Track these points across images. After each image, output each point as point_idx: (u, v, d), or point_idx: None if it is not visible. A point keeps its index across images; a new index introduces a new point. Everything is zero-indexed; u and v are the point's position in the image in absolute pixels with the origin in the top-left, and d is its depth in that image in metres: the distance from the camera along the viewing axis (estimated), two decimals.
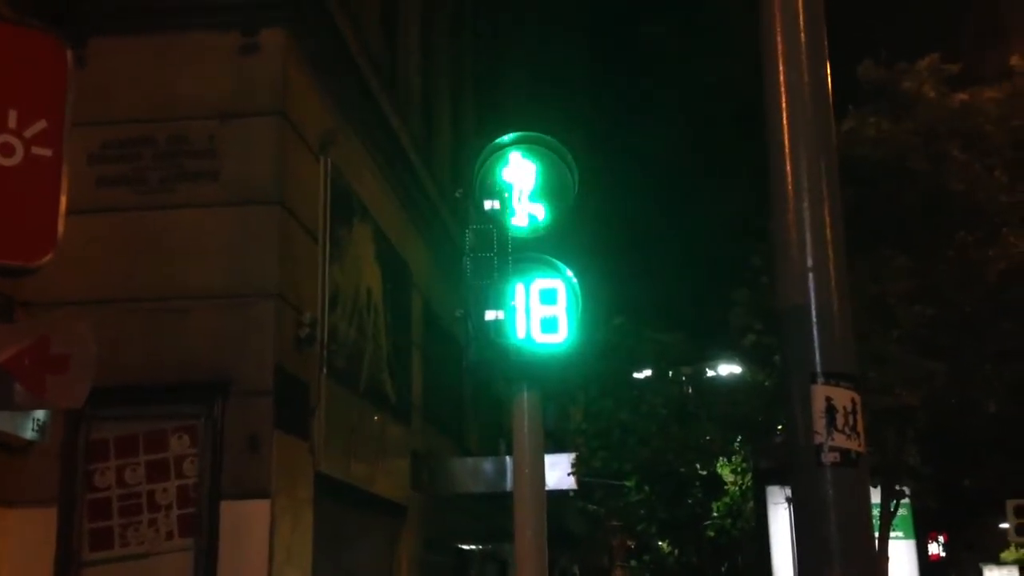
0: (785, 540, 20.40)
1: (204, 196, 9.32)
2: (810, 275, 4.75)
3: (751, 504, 22.91)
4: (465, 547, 19.25)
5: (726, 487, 23.35)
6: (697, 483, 22.71)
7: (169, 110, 9.50)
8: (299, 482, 9.52)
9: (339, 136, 10.90)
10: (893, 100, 14.98)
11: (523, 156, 6.76)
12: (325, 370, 10.22)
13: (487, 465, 16.43)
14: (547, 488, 7.04)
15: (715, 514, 23.59)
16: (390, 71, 13.92)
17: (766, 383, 15.76)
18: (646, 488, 21.87)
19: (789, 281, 4.83)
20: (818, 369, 4.66)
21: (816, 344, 4.69)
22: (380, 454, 12.32)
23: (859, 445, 4.62)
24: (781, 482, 19.67)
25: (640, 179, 24.14)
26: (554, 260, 6.61)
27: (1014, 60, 15.13)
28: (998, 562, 41.05)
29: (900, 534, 19.74)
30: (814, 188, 4.84)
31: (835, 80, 5.14)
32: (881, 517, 14.92)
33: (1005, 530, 23.77)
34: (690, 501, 23.04)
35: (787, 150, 4.91)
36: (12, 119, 5.75)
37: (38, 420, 6.97)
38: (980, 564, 42.52)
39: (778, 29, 5.04)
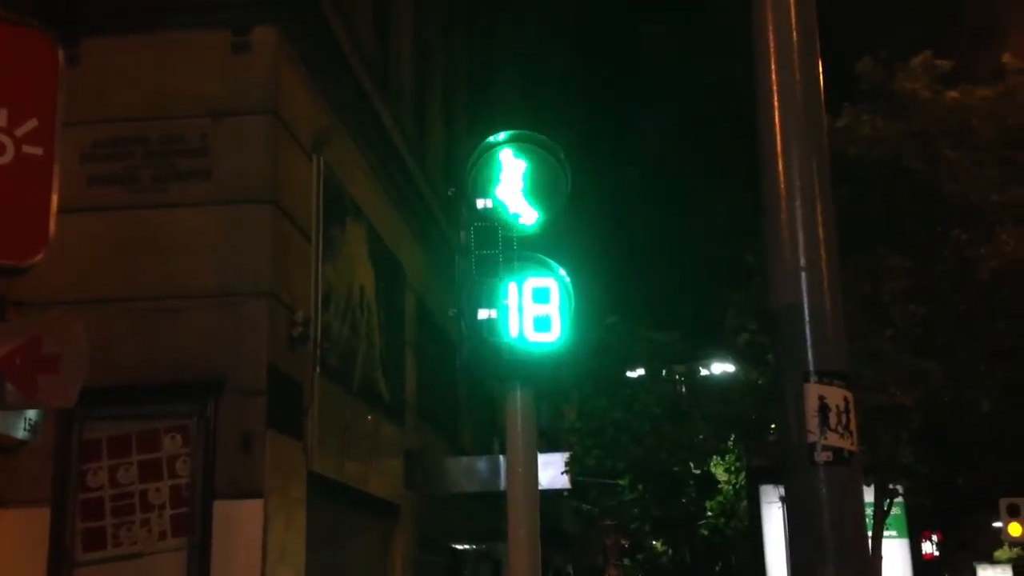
0: (778, 539, 20.41)
1: (196, 195, 9.30)
2: (803, 274, 4.75)
3: (744, 503, 22.93)
4: (459, 546, 19.24)
5: (719, 486, 23.38)
6: (691, 482, 22.73)
7: (161, 109, 9.48)
8: (292, 481, 9.51)
9: (332, 135, 10.88)
10: (889, 99, 14.99)
11: (515, 155, 6.77)
12: (318, 369, 10.21)
13: (481, 464, 16.43)
14: (540, 487, 7.05)
15: (709, 513, 23.62)
16: (383, 70, 13.91)
17: (759, 382, 15.78)
18: (640, 487, 21.87)
19: (782, 280, 4.83)
20: (811, 368, 4.66)
21: (809, 343, 4.70)
22: (373, 453, 12.31)
23: (852, 444, 4.62)
24: (774, 481, 19.68)
25: (634, 178, 24.16)
26: (547, 259, 6.61)
27: (1006, 58, 15.14)
28: (992, 561, 41.17)
29: (894, 533, 19.76)
30: (806, 187, 4.84)
31: (831, 78, 5.14)
32: (875, 516, 14.93)
33: (999, 529, 23.82)
34: (684, 500, 23.05)
35: (779, 149, 4.91)
36: (3, 118, 5.74)
37: (30, 420, 6.95)
38: (974, 563, 42.60)
39: (770, 28, 5.05)
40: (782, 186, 4.86)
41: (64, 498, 8.72)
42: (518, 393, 6.68)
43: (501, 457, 15.04)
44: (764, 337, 14.30)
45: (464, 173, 6.65)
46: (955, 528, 42.62)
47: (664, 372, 21.82)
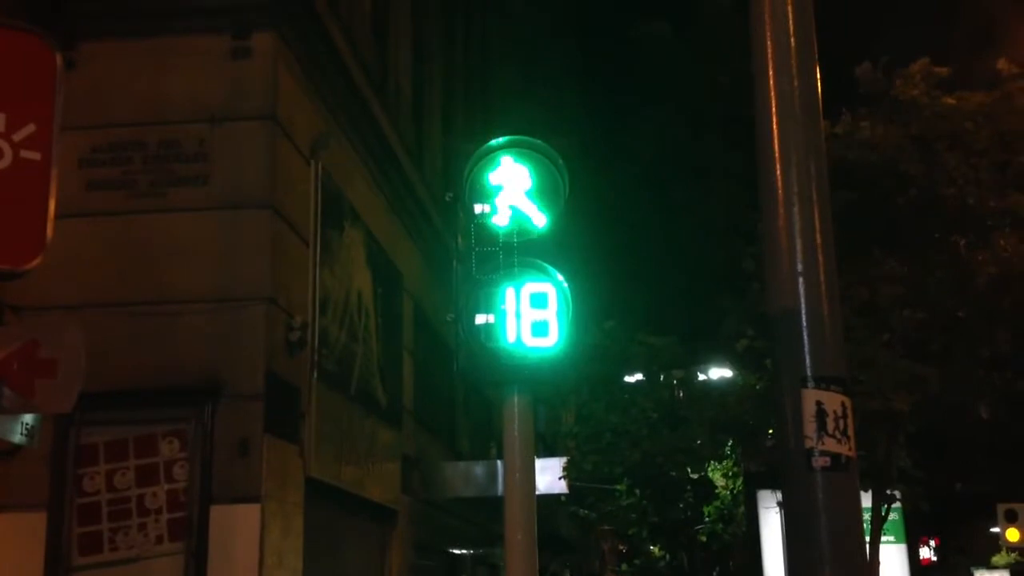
0: (776, 544, 20.41)
1: (194, 200, 9.30)
2: (800, 279, 4.77)
3: (742, 508, 22.92)
4: (456, 551, 19.22)
5: (717, 491, 23.34)
6: (688, 487, 22.71)
7: (159, 114, 9.49)
8: (289, 486, 9.50)
9: (330, 140, 10.89)
10: (887, 104, 15.00)
11: (514, 160, 6.75)
12: (316, 374, 10.21)
13: (478, 469, 16.43)
14: (538, 492, 7.04)
15: (706, 518, 23.59)
16: (381, 75, 13.92)
17: (757, 387, 15.76)
18: (637, 492, 21.86)
19: (779, 285, 4.84)
20: (808, 373, 4.67)
21: (806, 348, 4.70)
22: (371, 458, 12.31)
23: (849, 449, 4.62)
24: (772, 486, 19.67)
25: (633, 182, 24.14)
26: (544, 264, 6.60)
27: (1001, 64, 15.16)
28: (989, 566, 41.18)
29: (891, 538, 19.75)
30: (804, 193, 4.85)
31: (828, 83, 5.15)
32: (872, 521, 14.91)
33: (996, 534, 23.83)
34: (681, 505, 23.03)
35: (777, 155, 4.92)
36: (1, 122, 5.73)
37: (27, 424, 6.94)
38: (971, 568, 42.62)
39: (768, 34, 5.06)
40: (780, 191, 4.87)
41: (61, 502, 8.71)
42: (515, 398, 6.66)
43: (498, 462, 15.04)
44: (762, 342, 14.30)
45: (462, 177, 6.64)
46: (953, 533, 42.68)
47: (662, 377, 21.80)
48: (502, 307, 6.45)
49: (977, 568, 42.25)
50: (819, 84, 5.06)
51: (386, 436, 13.13)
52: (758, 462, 19.66)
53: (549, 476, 17.78)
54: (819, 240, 4.81)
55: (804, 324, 4.71)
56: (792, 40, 5.01)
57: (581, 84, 33.83)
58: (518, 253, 6.59)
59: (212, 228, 9.26)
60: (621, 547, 31.14)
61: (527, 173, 6.70)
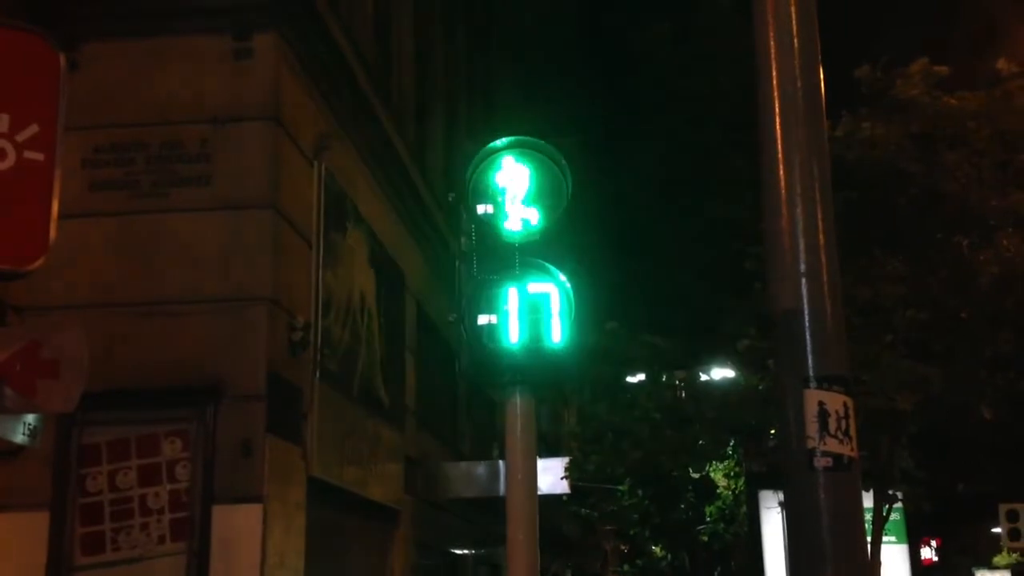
0: (778, 544, 20.41)
1: (197, 200, 9.31)
2: (803, 280, 4.77)
3: (744, 508, 22.92)
4: (458, 551, 19.23)
5: (719, 491, 23.35)
6: (690, 487, 22.71)
7: (162, 114, 9.49)
8: (292, 487, 9.51)
9: (332, 140, 10.89)
10: (888, 105, 14.99)
11: (516, 160, 6.77)
12: (318, 374, 10.21)
13: (480, 469, 16.42)
14: (540, 492, 7.04)
15: (708, 518, 23.59)
16: (384, 75, 13.93)
17: (759, 387, 15.76)
18: (639, 492, 21.86)
19: (782, 286, 4.84)
20: (811, 373, 4.67)
21: (809, 348, 4.71)
22: (373, 458, 12.31)
23: (851, 449, 4.63)
24: (774, 486, 19.68)
25: (634, 183, 24.11)
26: (547, 264, 6.61)
27: (1000, 64, 15.17)
28: (991, 566, 41.17)
29: (893, 538, 19.77)
30: (807, 193, 4.85)
31: (830, 87, 5.15)
32: (874, 521, 14.91)
33: (998, 534, 23.83)
34: (683, 505, 23.04)
35: (780, 155, 4.92)
36: (4, 123, 5.74)
37: (29, 424, 6.94)
38: (973, 568, 42.62)
39: (771, 35, 5.06)
40: (783, 192, 4.88)
41: (63, 502, 8.72)
42: (518, 398, 6.67)
43: (501, 462, 15.03)
44: (765, 342, 14.29)
45: (465, 178, 6.65)
46: (954, 533, 42.64)
47: (664, 377, 21.79)
48: (505, 307, 6.46)
49: (979, 568, 42.25)
50: (822, 84, 5.07)
51: (388, 436, 13.13)
52: (760, 462, 19.67)
53: (551, 476, 17.76)
54: (822, 240, 4.81)
55: (807, 324, 4.72)
56: (795, 40, 5.02)
57: (583, 85, 33.82)
58: (520, 253, 6.59)
59: (214, 228, 9.27)
60: (623, 547, 31.12)
61: (530, 174, 6.72)
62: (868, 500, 14.21)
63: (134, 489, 8.81)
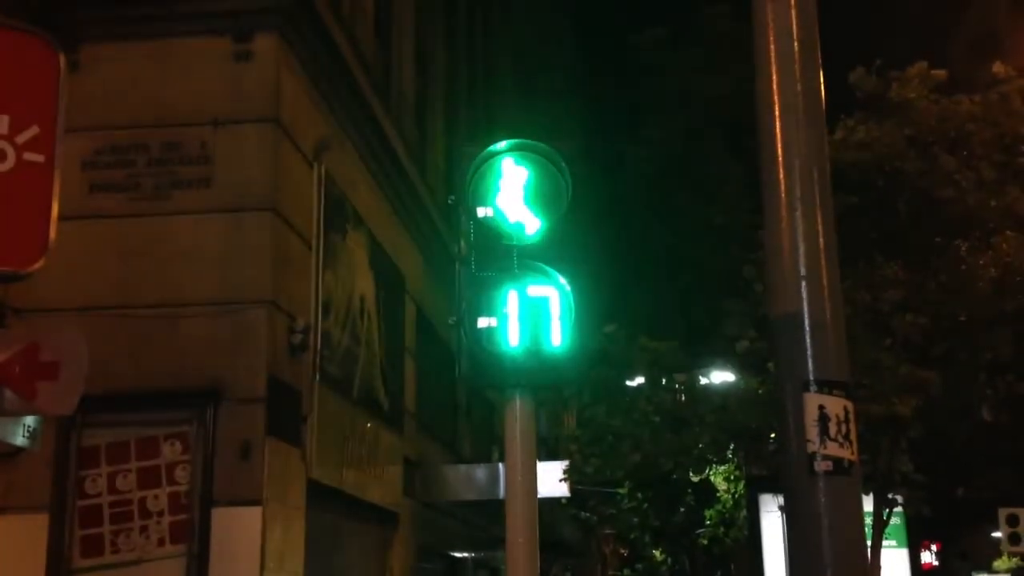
0: (778, 548, 20.36)
1: (197, 203, 9.31)
2: (803, 283, 4.76)
3: (743, 512, 22.88)
4: (457, 554, 19.22)
5: (718, 495, 23.32)
6: (689, 491, 22.69)
7: (162, 116, 9.50)
8: (291, 489, 9.50)
9: (332, 143, 10.89)
10: (884, 108, 14.99)
11: (516, 163, 6.75)
12: (318, 377, 10.21)
13: (479, 472, 16.41)
14: (539, 495, 7.03)
15: (708, 522, 23.56)
16: (384, 78, 13.93)
17: (759, 390, 15.75)
18: (639, 495, 21.84)
19: (782, 289, 4.83)
20: (811, 377, 4.66)
21: (809, 352, 4.70)
22: (372, 461, 12.30)
23: (852, 453, 4.62)
24: (774, 490, 19.63)
25: (634, 186, 24.11)
26: (547, 267, 6.59)
27: (996, 68, 15.18)
28: (991, 571, 41.08)
29: (893, 543, 19.71)
30: (807, 197, 4.85)
31: (828, 90, 5.15)
32: (874, 525, 14.89)
33: (998, 539, 23.80)
34: (682, 509, 23.02)
35: (780, 159, 4.92)
36: (4, 125, 5.74)
37: (29, 426, 6.94)
38: (973, 573, 42.59)
39: (771, 39, 5.06)
40: (783, 195, 4.87)
41: (63, 505, 8.72)
42: (517, 401, 6.65)
43: (500, 465, 15.02)
44: (764, 344, 14.28)
45: (464, 181, 6.64)
46: (954, 538, 42.61)
47: (664, 380, 21.77)
48: (504, 310, 6.44)
49: (978, 572, 42.19)
50: (823, 88, 5.06)
51: (388, 439, 13.12)
52: (760, 466, 19.65)
53: (550, 479, 17.74)
54: (822, 244, 4.80)
55: (807, 328, 4.71)
56: (795, 44, 5.01)
57: (583, 89, 33.85)
58: (520, 256, 6.58)
59: (215, 231, 9.27)
60: (622, 551, 31.12)
61: (529, 176, 6.70)
62: (868, 504, 14.19)
63: (133, 491, 8.81)
